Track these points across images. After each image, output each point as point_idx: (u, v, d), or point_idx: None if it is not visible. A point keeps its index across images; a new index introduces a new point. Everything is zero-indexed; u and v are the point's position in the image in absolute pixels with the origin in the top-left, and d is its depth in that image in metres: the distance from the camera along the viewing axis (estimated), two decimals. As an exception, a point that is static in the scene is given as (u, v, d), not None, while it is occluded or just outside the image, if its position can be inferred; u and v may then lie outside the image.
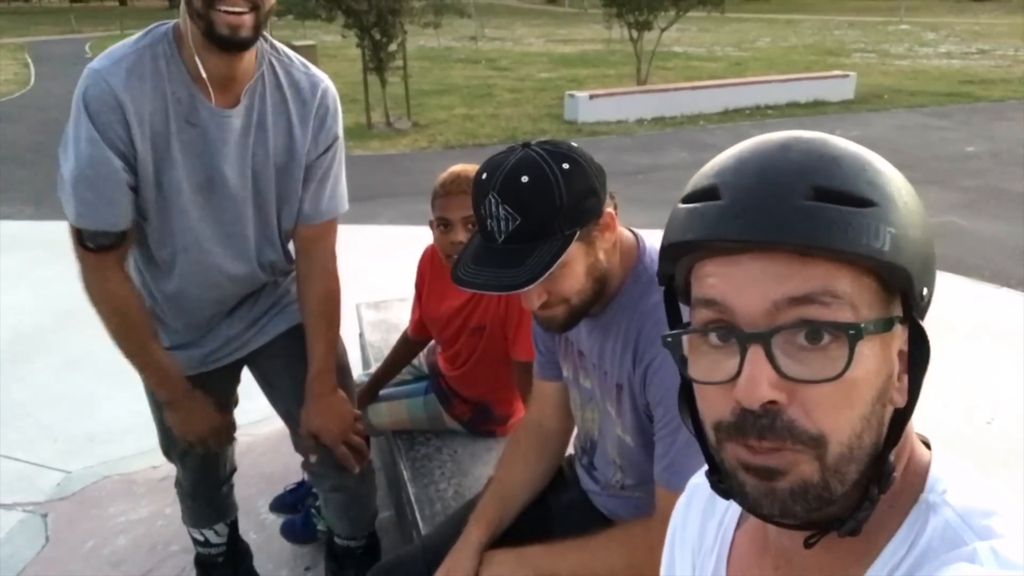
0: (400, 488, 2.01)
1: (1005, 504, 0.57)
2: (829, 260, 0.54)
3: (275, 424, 2.99)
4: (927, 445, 0.64)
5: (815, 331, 0.53)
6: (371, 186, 7.14)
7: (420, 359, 2.27)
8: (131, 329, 1.53)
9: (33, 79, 15.51)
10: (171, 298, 1.64)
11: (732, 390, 0.54)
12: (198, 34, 1.36)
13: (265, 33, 1.47)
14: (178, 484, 1.97)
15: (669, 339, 0.60)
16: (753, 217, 0.54)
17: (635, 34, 12.28)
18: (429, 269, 2.01)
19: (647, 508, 1.19)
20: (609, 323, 1.22)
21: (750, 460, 0.56)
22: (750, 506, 0.58)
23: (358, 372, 2.22)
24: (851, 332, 0.53)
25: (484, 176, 1.08)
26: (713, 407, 0.58)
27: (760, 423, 0.54)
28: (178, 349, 1.69)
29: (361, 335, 2.81)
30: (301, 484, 2.45)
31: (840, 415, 0.54)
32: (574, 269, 1.10)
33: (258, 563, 2.22)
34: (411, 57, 11.67)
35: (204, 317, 1.68)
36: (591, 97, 10.74)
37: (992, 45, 20.04)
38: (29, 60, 18.43)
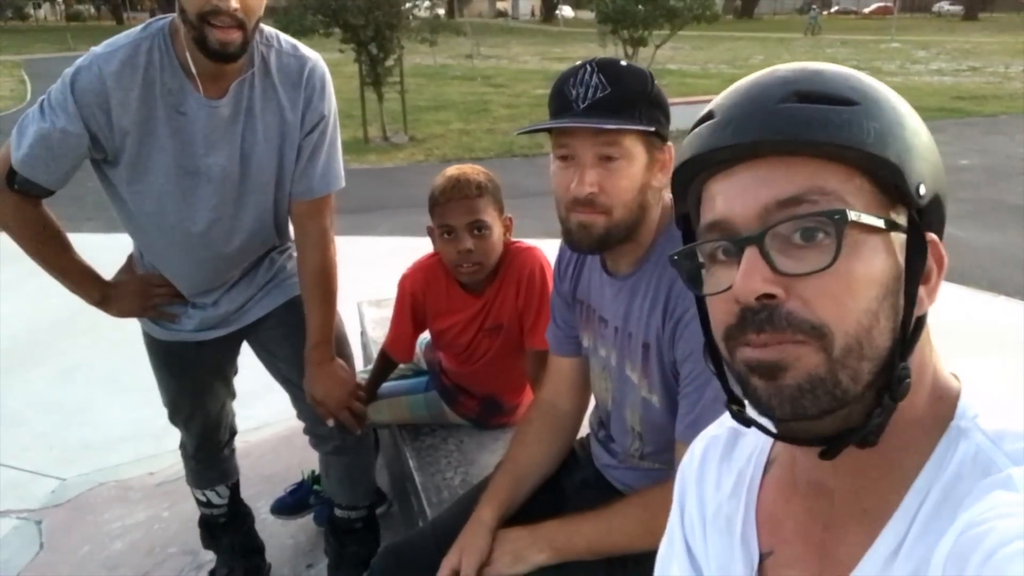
0: (405, 478, 1.98)
1: None
2: (816, 159, 0.56)
3: (273, 428, 3.00)
4: (958, 379, 0.63)
5: (809, 230, 0.54)
6: (368, 198, 7.14)
7: (418, 355, 2.21)
8: (45, 244, 1.61)
9: (30, 95, 15.54)
10: (169, 274, 1.73)
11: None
12: (189, 38, 1.44)
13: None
14: (182, 447, 2.04)
15: (675, 257, 0.63)
16: (739, 124, 0.58)
17: (630, 51, 12.38)
18: (424, 289, 1.91)
19: (664, 480, 1.17)
20: (637, 283, 1.22)
21: (752, 356, 0.56)
22: (764, 409, 0.58)
23: (359, 368, 2.20)
24: (835, 217, 0.54)
25: (580, 61, 1.15)
26: (721, 317, 0.59)
27: (759, 318, 0.55)
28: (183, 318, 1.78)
29: (363, 333, 2.80)
30: (300, 485, 2.44)
31: (842, 306, 0.54)
32: (632, 170, 1.12)
33: (259, 563, 2.21)
34: (407, 74, 11.73)
35: (202, 288, 1.74)
36: (587, 112, 10.78)
37: (983, 63, 20.25)
38: (26, 77, 18.47)
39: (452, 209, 1.71)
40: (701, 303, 0.64)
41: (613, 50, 13.63)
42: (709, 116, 0.61)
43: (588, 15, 13.08)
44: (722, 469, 0.75)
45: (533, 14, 53.97)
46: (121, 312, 1.74)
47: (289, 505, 2.42)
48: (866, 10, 52.46)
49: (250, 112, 1.55)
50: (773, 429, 0.61)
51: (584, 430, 1.53)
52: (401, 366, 2.18)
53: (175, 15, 1.47)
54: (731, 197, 0.58)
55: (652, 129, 1.11)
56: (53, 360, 3.77)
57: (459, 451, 1.96)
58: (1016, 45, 24.97)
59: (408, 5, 10.65)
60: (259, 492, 2.47)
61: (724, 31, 34.77)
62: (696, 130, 0.61)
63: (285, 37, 1.61)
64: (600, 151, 1.10)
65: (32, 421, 3.23)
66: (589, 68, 1.11)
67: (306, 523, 2.45)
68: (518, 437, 1.45)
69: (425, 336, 2.10)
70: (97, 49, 1.47)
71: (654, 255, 1.20)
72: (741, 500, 0.72)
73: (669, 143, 1.17)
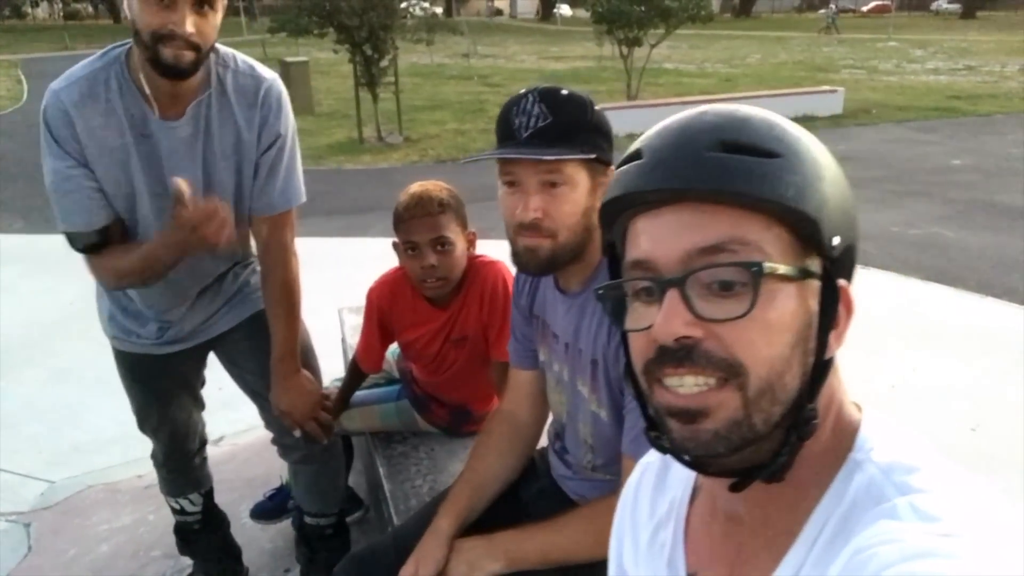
0: (377, 486, 2.01)
1: (930, 460, 0.59)
2: (738, 209, 0.58)
3: (259, 433, 3.01)
4: (860, 410, 0.66)
5: (727, 281, 0.57)
6: (363, 199, 7.17)
7: (391, 363, 2.25)
8: (139, 267, 1.58)
9: (26, 95, 15.52)
10: (139, 291, 1.75)
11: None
12: (144, 59, 1.47)
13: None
14: (153, 456, 2.08)
15: (600, 291, 0.65)
16: (667, 169, 0.59)
17: (625, 50, 12.39)
18: (390, 302, 1.95)
19: (613, 491, 1.20)
20: (587, 300, 1.25)
21: (673, 403, 0.59)
22: (676, 450, 0.61)
23: (336, 375, 2.23)
24: (753, 269, 0.56)
25: (525, 89, 1.19)
26: (640, 352, 0.61)
27: (677, 355, 0.57)
28: (143, 330, 1.80)
29: (343, 340, 2.82)
30: (279, 490, 2.47)
31: (757, 350, 0.57)
32: (576, 195, 1.15)
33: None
34: (404, 74, 11.74)
35: (168, 306, 1.77)
36: (582, 112, 10.80)
37: (979, 62, 20.26)
38: (22, 76, 18.44)
39: (415, 226, 1.74)
40: (624, 334, 0.66)
41: (610, 49, 13.66)
42: (637, 155, 0.63)
43: (586, 14, 13.12)
44: (656, 496, 0.78)
45: (538, 13, 53.91)
46: (197, 245, 1.52)
47: (268, 510, 2.45)
48: (864, 8, 52.34)
49: (208, 131, 1.59)
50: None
51: (544, 441, 1.56)
52: (374, 375, 2.20)
53: (131, 41, 1.51)
54: (655, 238, 0.60)
55: (593, 156, 1.15)
56: (45, 363, 3.79)
57: (429, 459, 1.99)
58: (1013, 44, 25.00)
59: (404, 4, 10.66)
60: (242, 496, 2.50)
61: (722, 30, 34.78)
62: (625, 168, 0.63)
63: (242, 57, 1.64)
64: (543, 178, 1.14)
65: (23, 423, 3.25)
66: (531, 97, 1.15)
67: (285, 527, 2.47)
68: (478, 448, 1.48)
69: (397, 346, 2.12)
70: (54, 84, 1.52)
71: (602, 274, 1.22)
72: (671, 524, 0.75)
73: (612, 167, 1.19)
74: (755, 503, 0.63)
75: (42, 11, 57.89)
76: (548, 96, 1.15)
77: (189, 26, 1.39)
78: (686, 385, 0.58)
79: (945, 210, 6.70)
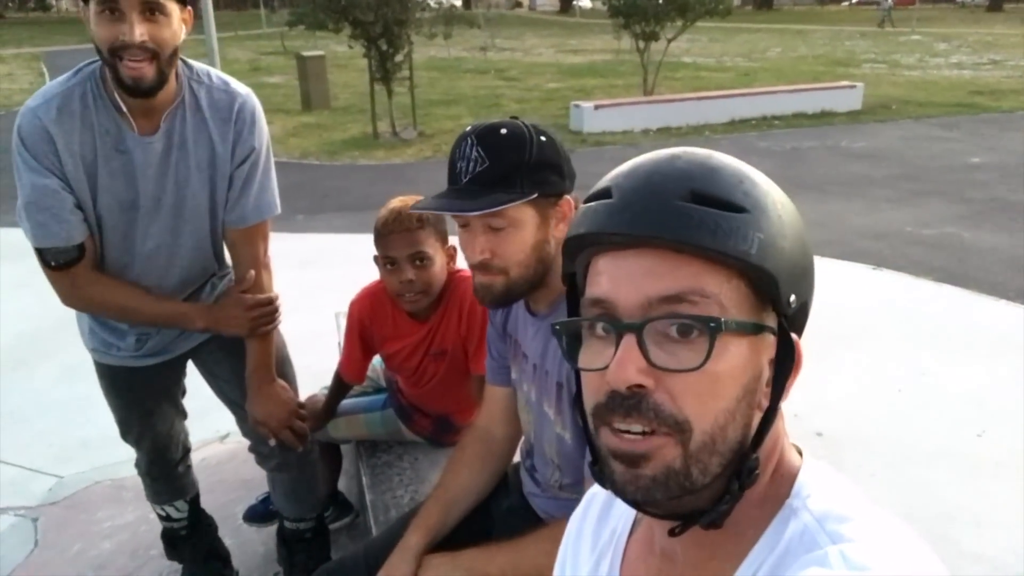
0: (362, 495, 2.03)
1: (863, 510, 0.60)
2: (701, 260, 0.58)
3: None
4: (801, 454, 0.67)
5: (685, 325, 0.57)
6: (374, 195, 7.17)
7: (377, 372, 2.27)
8: (132, 307, 1.69)
9: (48, 89, 15.71)
10: None
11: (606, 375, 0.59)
12: (112, 80, 1.49)
13: (185, 59, 1.61)
14: (137, 464, 2.11)
15: (557, 327, 0.65)
16: (635, 213, 0.60)
17: (642, 44, 12.30)
18: (370, 315, 1.98)
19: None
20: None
21: (618, 447, 0.60)
22: (617, 491, 0.61)
23: (323, 383, 2.25)
24: (711, 325, 0.57)
25: (469, 128, 1.18)
26: (592, 392, 0.62)
27: (627, 403, 0.58)
28: (122, 343, 1.82)
29: (339, 344, 2.84)
30: None
31: (704, 404, 0.58)
32: (522, 234, 1.16)
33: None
34: (421, 68, 11.74)
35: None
36: (596, 107, 10.77)
37: (1004, 56, 19.93)
38: (44, 70, 18.65)
39: (393, 241, 1.76)
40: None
41: (628, 43, 13.55)
42: (607, 193, 0.63)
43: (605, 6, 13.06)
44: (599, 528, 0.80)
45: (564, 4, 53.54)
46: (231, 326, 1.77)
47: (260, 512, 2.48)
48: (889, 1, 51.48)
49: (183, 145, 1.61)
50: None
51: (517, 457, 1.57)
52: (364, 383, 2.22)
53: None
54: (617, 280, 0.61)
55: (533, 196, 1.14)
56: (56, 358, 3.84)
57: (412, 469, 2.01)
58: (1040, 37, 24.56)
59: (420, -1, 10.66)
60: (238, 497, 2.53)
61: (742, 23, 34.47)
62: (593, 205, 0.64)
63: (217, 73, 1.67)
64: (486, 222, 1.15)
65: (33, 418, 3.31)
66: (470, 141, 1.15)
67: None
68: (451, 464, 1.49)
69: None
70: (30, 102, 1.55)
71: None
72: (609, 553, 0.76)
73: (568, 196, 1.20)
74: (691, 544, 0.64)
75: (66, 3, 58.41)
76: (485, 139, 1.15)
77: (138, 34, 1.41)
78: (632, 430, 0.59)
79: (961, 209, 6.61)
